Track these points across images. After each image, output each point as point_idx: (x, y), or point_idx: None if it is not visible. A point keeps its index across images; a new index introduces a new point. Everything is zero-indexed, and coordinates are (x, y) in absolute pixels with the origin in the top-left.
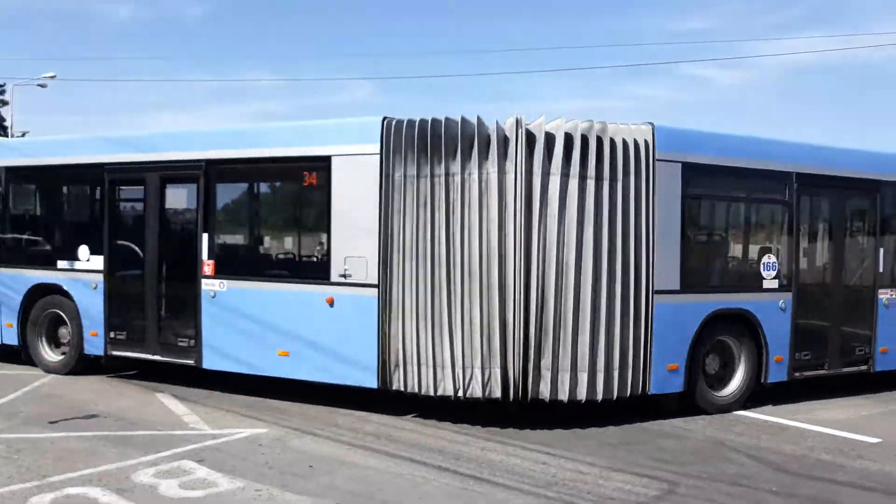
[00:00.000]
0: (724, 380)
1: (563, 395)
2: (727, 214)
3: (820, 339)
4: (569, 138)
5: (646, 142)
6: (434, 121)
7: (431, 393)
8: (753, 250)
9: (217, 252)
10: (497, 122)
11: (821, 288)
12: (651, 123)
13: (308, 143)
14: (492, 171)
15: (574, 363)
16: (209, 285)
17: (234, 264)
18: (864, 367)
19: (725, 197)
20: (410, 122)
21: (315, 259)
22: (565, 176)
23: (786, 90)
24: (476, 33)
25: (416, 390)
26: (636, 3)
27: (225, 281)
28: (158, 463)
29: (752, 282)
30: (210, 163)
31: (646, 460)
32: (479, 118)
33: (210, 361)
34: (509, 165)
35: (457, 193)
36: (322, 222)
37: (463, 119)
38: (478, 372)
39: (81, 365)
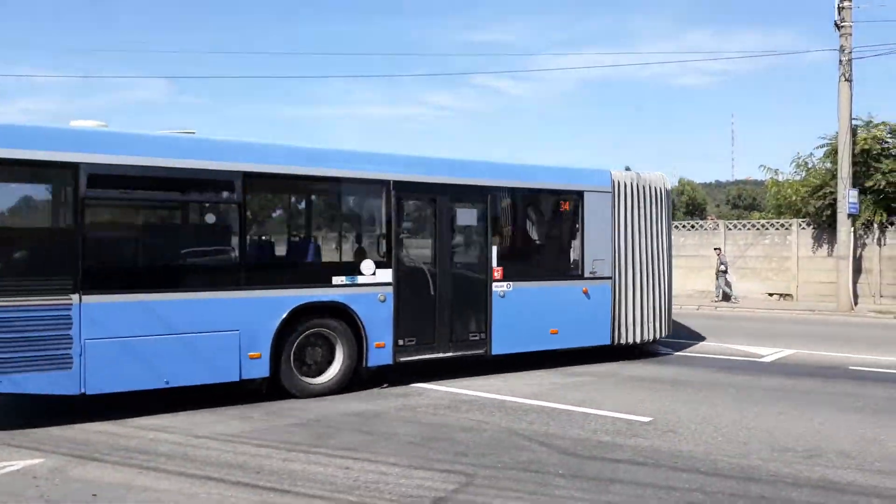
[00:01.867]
0: None
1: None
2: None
3: None
4: (664, 190)
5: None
6: (638, 174)
7: (633, 341)
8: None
9: (502, 261)
10: (658, 175)
11: None
12: (663, 174)
13: (567, 181)
14: (660, 208)
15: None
16: (499, 287)
17: (514, 270)
18: None
19: None
20: (628, 174)
21: (573, 263)
22: (668, 210)
23: (574, 102)
24: (281, 35)
25: (628, 341)
26: (434, 12)
27: (511, 283)
28: None
29: None
30: (498, 189)
31: (445, 456)
32: (638, 174)
33: (497, 349)
34: (663, 205)
35: (649, 221)
36: (576, 237)
37: (648, 174)
38: (651, 326)
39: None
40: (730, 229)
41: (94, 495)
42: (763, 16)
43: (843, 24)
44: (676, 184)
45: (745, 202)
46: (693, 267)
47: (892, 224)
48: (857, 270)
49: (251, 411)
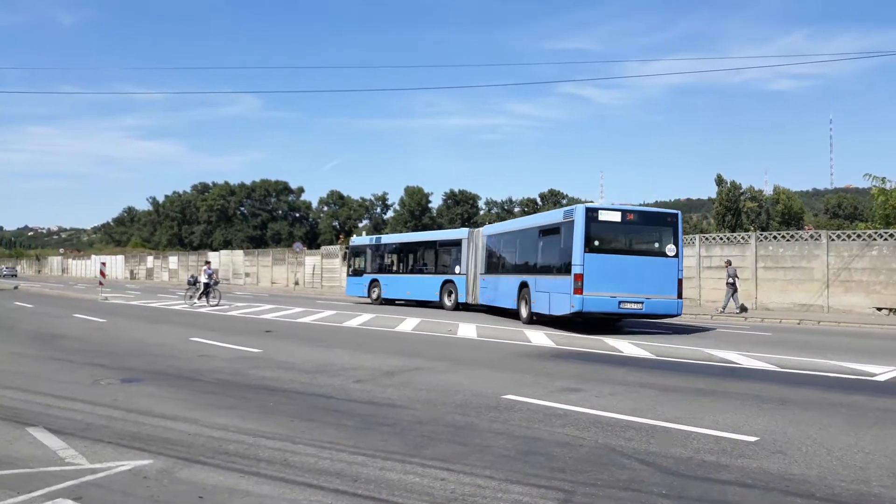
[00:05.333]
0: None
1: None
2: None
3: None
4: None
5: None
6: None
7: None
8: None
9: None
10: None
11: None
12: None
13: None
14: None
15: None
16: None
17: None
18: None
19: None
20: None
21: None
22: None
23: (662, 109)
24: (364, 49)
25: None
26: (514, 21)
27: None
28: None
29: None
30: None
31: (542, 471)
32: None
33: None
34: None
35: None
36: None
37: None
38: None
39: None
40: (833, 240)
41: (201, 497)
42: (863, 14)
43: None
44: (771, 192)
45: (845, 211)
46: (791, 279)
47: None
48: None
49: (345, 419)
